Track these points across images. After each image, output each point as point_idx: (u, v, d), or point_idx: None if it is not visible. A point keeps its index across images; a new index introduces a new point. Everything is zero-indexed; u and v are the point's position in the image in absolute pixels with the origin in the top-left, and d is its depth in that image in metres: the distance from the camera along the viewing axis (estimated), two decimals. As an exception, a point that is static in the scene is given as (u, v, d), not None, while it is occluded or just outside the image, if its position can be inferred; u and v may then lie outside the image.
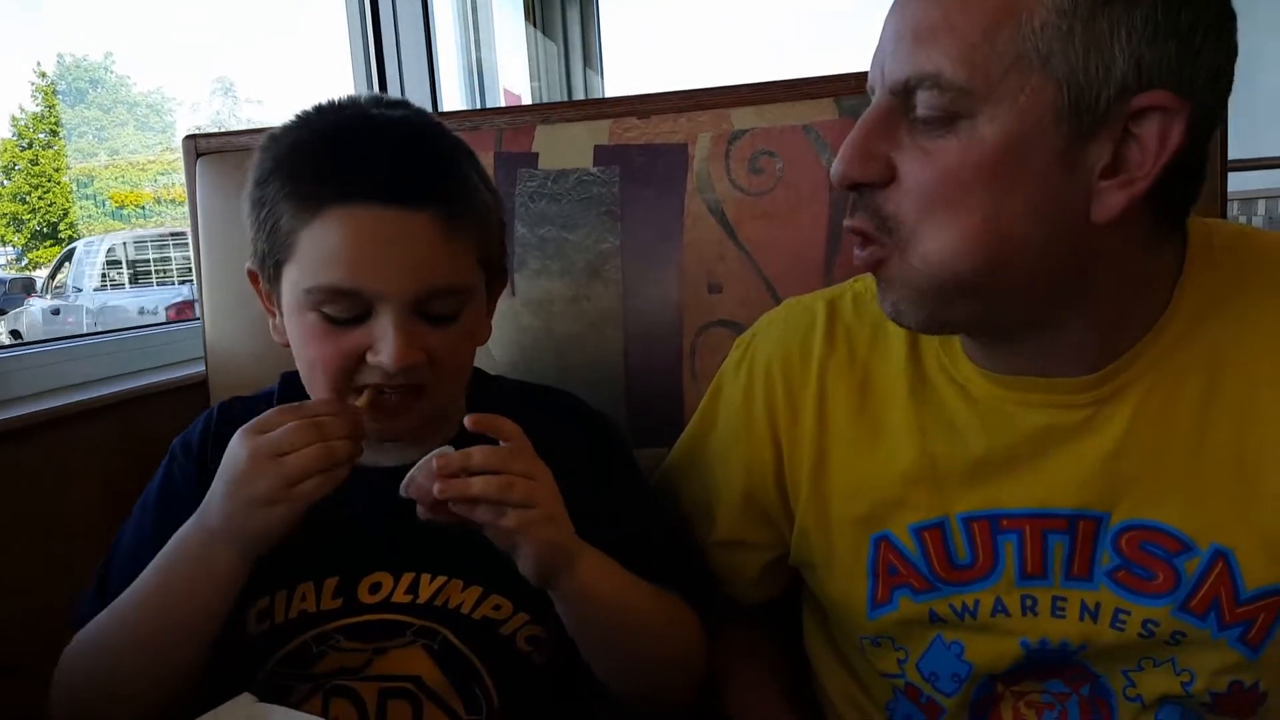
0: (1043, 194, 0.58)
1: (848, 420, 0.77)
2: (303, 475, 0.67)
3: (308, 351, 0.75)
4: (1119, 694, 0.72)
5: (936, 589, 0.73)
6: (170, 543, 0.72)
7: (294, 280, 0.73)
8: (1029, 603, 0.71)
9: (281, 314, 0.78)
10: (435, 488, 0.65)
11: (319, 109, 0.77)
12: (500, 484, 0.66)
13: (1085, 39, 0.55)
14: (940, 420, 0.73)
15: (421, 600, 0.78)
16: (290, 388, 0.84)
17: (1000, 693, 0.75)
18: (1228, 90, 0.60)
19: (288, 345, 0.78)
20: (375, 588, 0.78)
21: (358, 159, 0.72)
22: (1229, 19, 0.58)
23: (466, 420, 0.68)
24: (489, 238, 0.79)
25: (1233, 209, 3.58)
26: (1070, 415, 0.68)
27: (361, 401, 0.73)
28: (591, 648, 0.77)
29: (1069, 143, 0.57)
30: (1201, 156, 0.61)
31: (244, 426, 0.70)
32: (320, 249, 0.71)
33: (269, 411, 0.70)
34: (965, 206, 0.59)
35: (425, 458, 0.67)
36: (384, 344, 0.71)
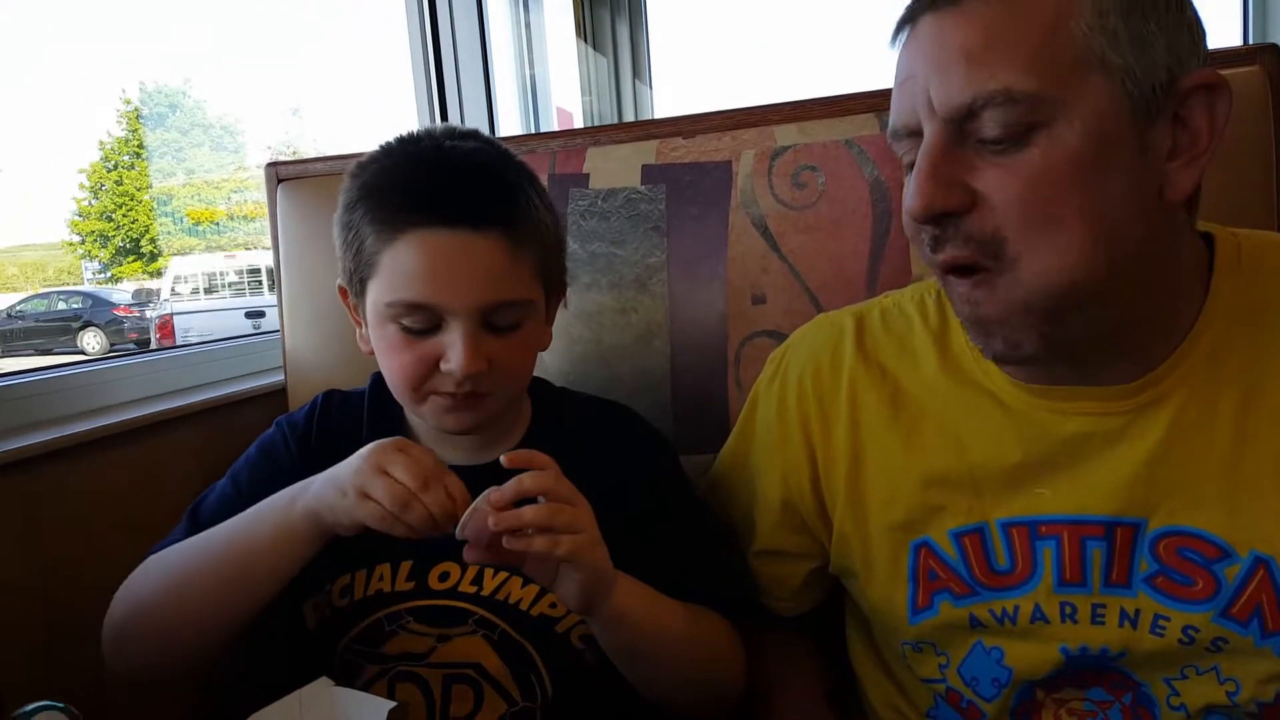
0: (1131, 185, 0.60)
1: (881, 429, 0.78)
2: (376, 498, 0.71)
3: (388, 360, 0.82)
4: (1162, 703, 0.72)
5: (977, 594, 0.74)
6: (272, 497, 0.79)
7: (376, 295, 0.81)
8: (1068, 610, 0.72)
9: (366, 325, 0.85)
10: (490, 520, 0.68)
11: (400, 140, 0.85)
12: (550, 510, 0.69)
13: (1129, 34, 0.58)
14: (976, 428, 0.74)
15: (485, 592, 0.84)
16: (378, 387, 0.91)
17: (1041, 699, 0.76)
18: None
19: (373, 353, 0.85)
20: (444, 576, 0.84)
21: (432, 188, 0.79)
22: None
23: (503, 459, 0.71)
24: (548, 254, 0.85)
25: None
26: (1108, 423, 0.68)
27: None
28: (627, 665, 0.80)
29: (1140, 133, 0.59)
30: None
31: (390, 443, 0.75)
32: (399, 268, 0.79)
33: (427, 453, 0.74)
34: (1066, 210, 0.59)
35: (477, 500, 0.70)
36: (453, 352, 0.78)
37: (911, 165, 0.64)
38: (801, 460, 0.83)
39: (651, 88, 3.54)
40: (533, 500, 0.70)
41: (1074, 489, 0.70)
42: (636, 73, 3.47)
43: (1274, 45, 0.94)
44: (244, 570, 0.77)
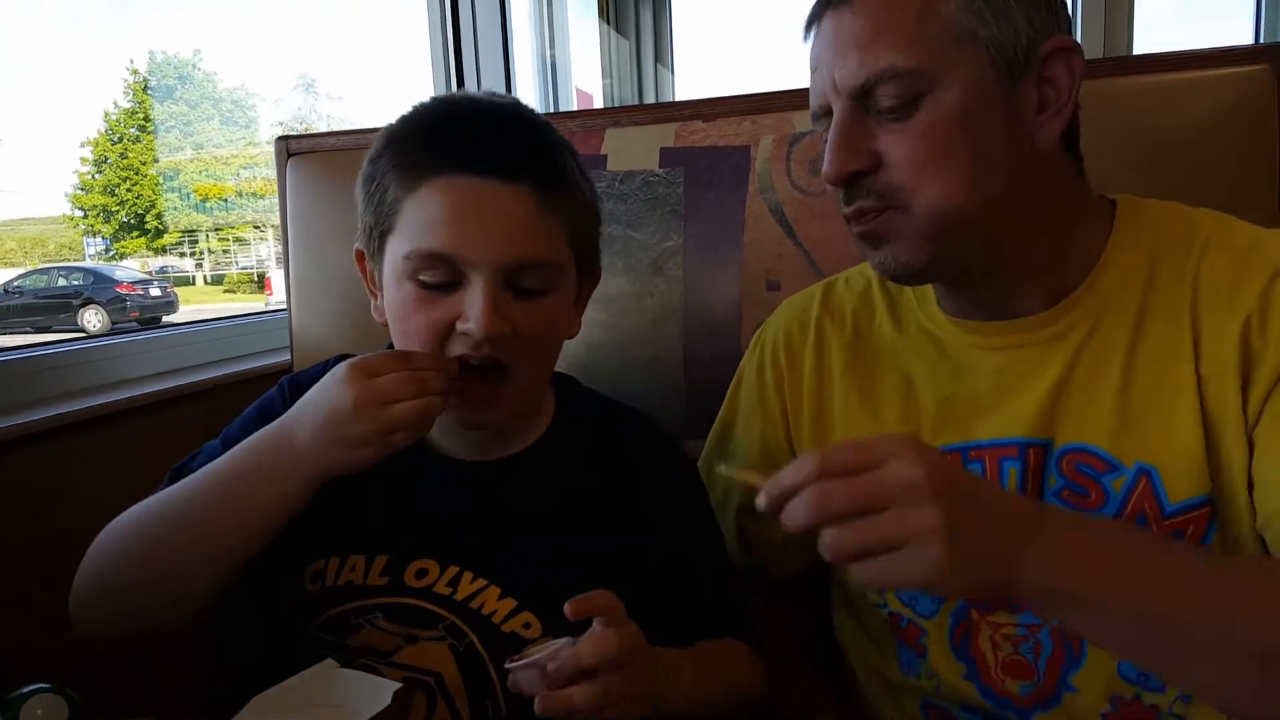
0: (1003, 133, 0.71)
1: (842, 374, 0.86)
2: (401, 426, 0.70)
3: (404, 324, 0.77)
4: None
5: None
6: (249, 443, 0.74)
7: (395, 249, 0.76)
8: None
9: (382, 293, 0.80)
10: (538, 706, 0.65)
11: (435, 99, 0.80)
12: (602, 691, 0.64)
13: (992, 13, 0.69)
14: (920, 366, 0.82)
15: (459, 597, 0.79)
16: None
17: (976, 622, 0.80)
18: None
19: (386, 325, 0.80)
20: (421, 574, 0.80)
21: (462, 134, 0.75)
22: None
23: (566, 610, 0.66)
24: (581, 224, 0.80)
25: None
26: (1023, 355, 0.77)
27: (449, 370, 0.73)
28: None
29: (1008, 92, 0.70)
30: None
31: (352, 362, 0.71)
32: (421, 216, 0.74)
33: (378, 355, 0.72)
34: (952, 157, 0.70)
35: (536, 656, 0.67)
36: (473, 311, 0.72)
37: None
38: (776, 415, 0.90)
39: (673, 71, 3.50)
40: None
41: (997, 417, 0.78)
42: (658, 56, 3.43)
43: None
44: (233, 524, 0.73)
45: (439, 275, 0.74)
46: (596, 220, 0.84)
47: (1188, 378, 0.72)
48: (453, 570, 0.79)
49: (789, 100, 1.09)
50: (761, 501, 0.59)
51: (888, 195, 0.71)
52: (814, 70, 0.75)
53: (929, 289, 0.83)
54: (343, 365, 0.72)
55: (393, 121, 0.80)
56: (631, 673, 0.66)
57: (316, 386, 0.74)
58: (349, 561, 0.81)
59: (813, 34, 0.75)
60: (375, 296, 0.82)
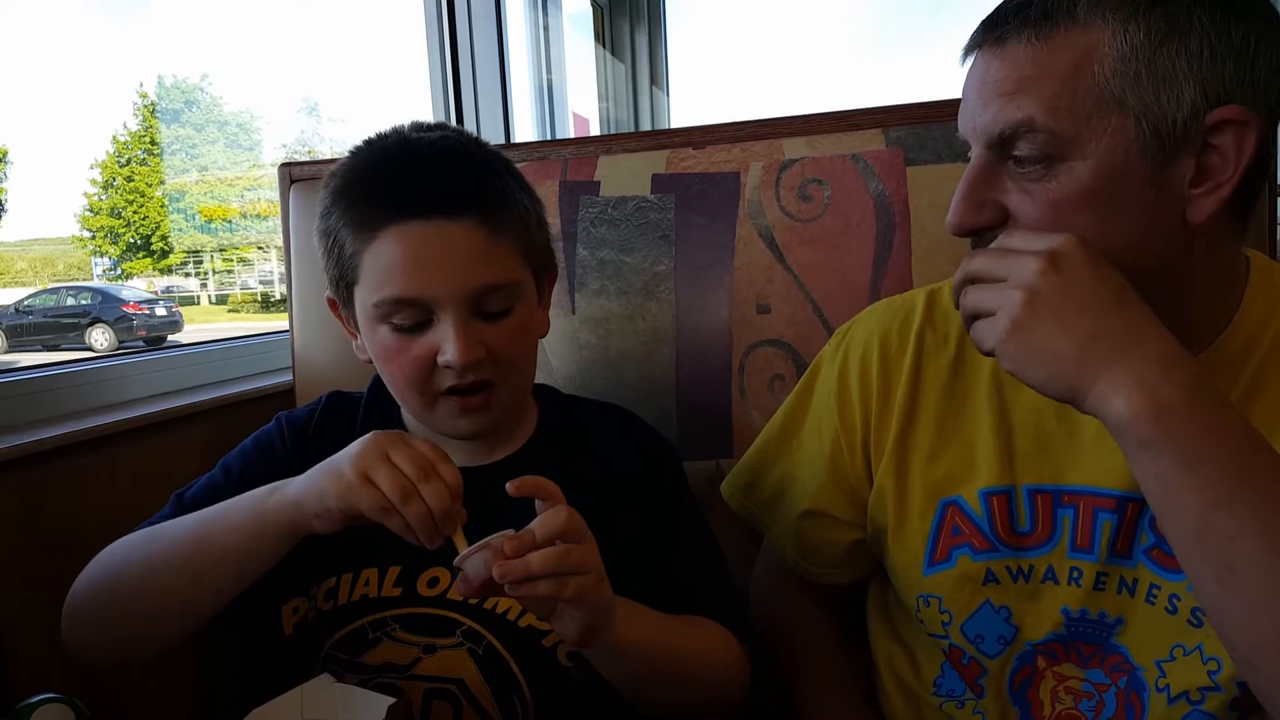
0: (1138, 211, 0.65)
1: (939, 392, 0.83)
2: (379, 485, 0.68)
3: (387, 366, 0.81)
4: (1151, 686, 0.75)
5: (996, 550, 0.78)
6: (252, 490, 0.75)
7: (363, 298, 0.80)
8: (1075, 574, 0.76)
9: (360, 335, 0.84)
10: (495, 572, 0.63)
11: (367, 142, 0.84)
12: (559, 556, 0.65)
13: (1151, 76, 0.62)
14: (1021, 398, 0.79)
15: (473, 600, 0.81)
16: (377, 389, 0.90)
17: (1042, 669, 0.79)
18: None
19: (370, 361, 0.84)
20: (433, 582, 0.82)
21: (402, 182, 0.78)
22: (1278, 18, 0.64)
23: (509, 487, 0.67)
24: (530, 235, 0.83)
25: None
26: None
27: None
28: (623, 688, 0.78)
29: (1155, 167, 0.64)
30: (1268, 152, 0.66)
31: (392, 432, 0.71)
32: (380, 266, 0.77)
33: (427, 443, 0.71)
34: (1076, 230, 0.64)
35: (481, 543, 0.66)
36: (448, 344, 0.76)
37: None
38: (855, 421, 0.86)
39: (669, 95, 3.54)
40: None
41: (1096, 464, 0.75)
42: (654, 79, 3.47)
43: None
44: (210, 560, 0.73)
45: (410, 317, 0.78)
46: (543, 226, 0.87)
47: None
48: None
49: (779, 128, 1.12)
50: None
51: None
52: (963, 104, 0.72)
53: None
54: (392, 431, 0.72)
55: (334, 169, 0.84)
56: (590, 545, 0.68)
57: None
58: (362, 575, 0.83)
59: (968, 63, 0.72)
60: (355, 337, 0.86)
